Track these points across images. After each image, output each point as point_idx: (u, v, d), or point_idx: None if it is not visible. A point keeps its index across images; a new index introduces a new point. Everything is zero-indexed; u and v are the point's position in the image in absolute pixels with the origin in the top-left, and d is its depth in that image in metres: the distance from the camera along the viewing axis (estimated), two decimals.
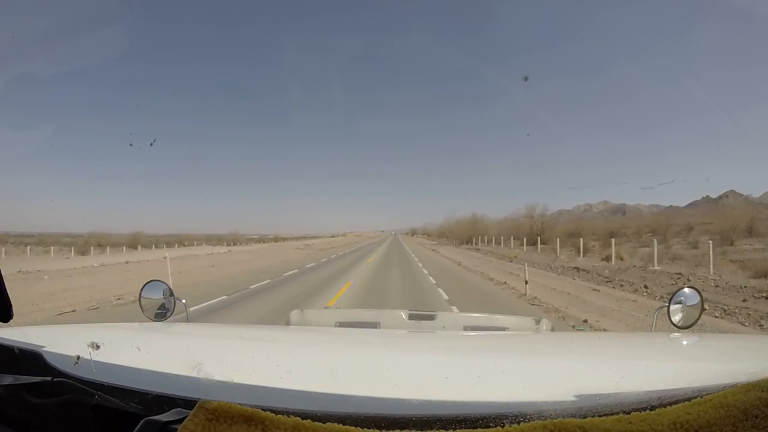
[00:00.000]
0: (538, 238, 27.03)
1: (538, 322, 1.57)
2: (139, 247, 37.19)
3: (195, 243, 44.99)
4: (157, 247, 38.75)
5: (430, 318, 1.60)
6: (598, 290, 9.70)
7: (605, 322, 6.36)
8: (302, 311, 1.66)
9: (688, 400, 0.49)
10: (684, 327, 1.18)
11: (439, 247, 36.45)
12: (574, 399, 0.55)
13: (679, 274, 11.37)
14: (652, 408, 0.49)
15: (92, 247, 33.47)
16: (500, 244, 32.85)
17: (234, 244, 45.51)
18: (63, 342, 0.79)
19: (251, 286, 10.16)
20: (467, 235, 43.77)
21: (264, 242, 55.46)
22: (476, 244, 37.94)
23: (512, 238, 31.27)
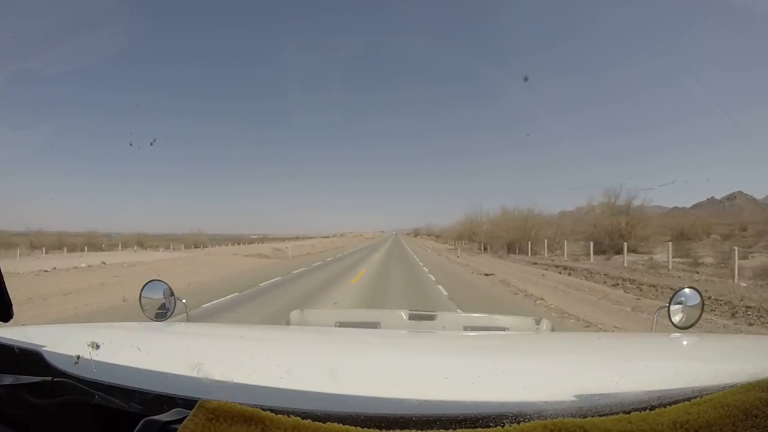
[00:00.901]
0: (625, 242, 16.76)
1: (538, 322, 1.57)
2: (85, 249, 30.98)
3: (157, 246, 37.46)
4: (106, 248, 32.18)
5: (431, 318, 1.60)
6: None
7: None
8: (302, 311, 1.66)
9: (688, 400, 0.49)
10: (684, 327, 1.18)
11: (478, 262, 17.88)
12: (574, 399, 0.55)
13: None
14: (652, 408, 0.49)
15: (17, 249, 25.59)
16: (553, 250, 20.77)
17: (195, 247, 37.01)
18: (63, 342, 0.79)
19: None
20: (512, 237, 25.48)
21: (239, 243, 44.38)
22: (532, 252, 22.10)
23: (565, 241, 20.16)
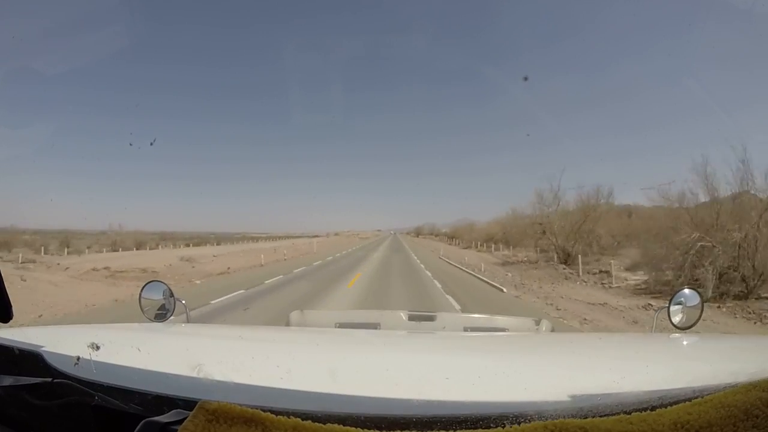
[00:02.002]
0: None
1: (538, 322, 1.57)
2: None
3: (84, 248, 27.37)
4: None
5: (430, 319, 1.59)
6: None
7: None
8: (302, 312, 1.66)
9: (689, 400, 0.49)
10: (684, 327, 1.18)
11: None
12: (574, 399, 0.55)
13: None
14: (653, 408, 0.49)
15: None
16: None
17: (114, 249, 28.14)
18: (63, 342, 0.79)
19: None
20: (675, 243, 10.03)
21: (195, 245, 35.96)
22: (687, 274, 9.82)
23: None
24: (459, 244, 41.13)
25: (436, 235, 74.81)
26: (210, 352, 0.93)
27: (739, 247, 9.62)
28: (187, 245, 36.20)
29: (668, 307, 1.21)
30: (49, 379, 0.64)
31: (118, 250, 27.84)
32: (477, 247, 32.36)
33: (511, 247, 24.72)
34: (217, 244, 38.48)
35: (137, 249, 29.67)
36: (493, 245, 27.83)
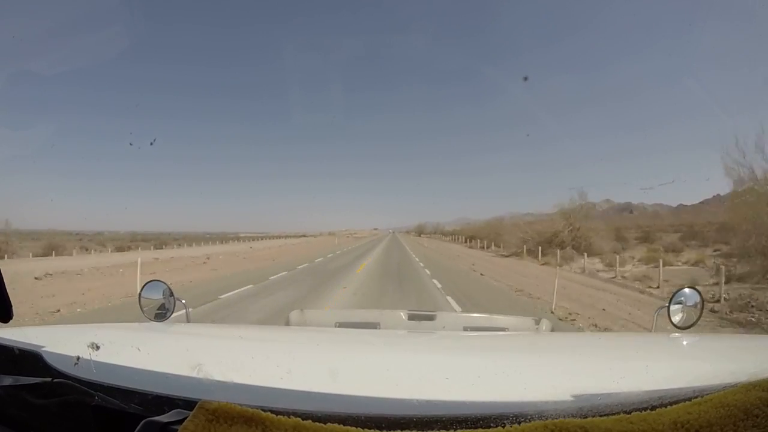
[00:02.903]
0: None
1: (538, 322, 1.57)
2: None
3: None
4: None
5: (430, 318, 1.59)
6: None
7: None
8: (302, 311, 1.66)
9: (689, 399, 0.49)
10: (684, 327, 1.18)
11: None
12: (574, 399, 0.55)
13: None
14: (653, 408, 0.49)
15: None
16: None
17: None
18: (63, 342, 0.79)
19: None
20: None
21: (118, 250, 27.95)
22: None
23: None
24: (488, 248, 27.14)
25: (444, 235, 62.70)
26: (210, 352, 0.93)
27: None
28: (116, 250, 28.03)
29: (668, 307, 1.21)
30: (49, 379, 0.64)
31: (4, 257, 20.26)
32: (536, 257, 18.55)
33: (582, 254, 15.14)
34: (156, 248, 30.18)
35: (33, 256, 22.06)
36: (585, 255, 16.03)
